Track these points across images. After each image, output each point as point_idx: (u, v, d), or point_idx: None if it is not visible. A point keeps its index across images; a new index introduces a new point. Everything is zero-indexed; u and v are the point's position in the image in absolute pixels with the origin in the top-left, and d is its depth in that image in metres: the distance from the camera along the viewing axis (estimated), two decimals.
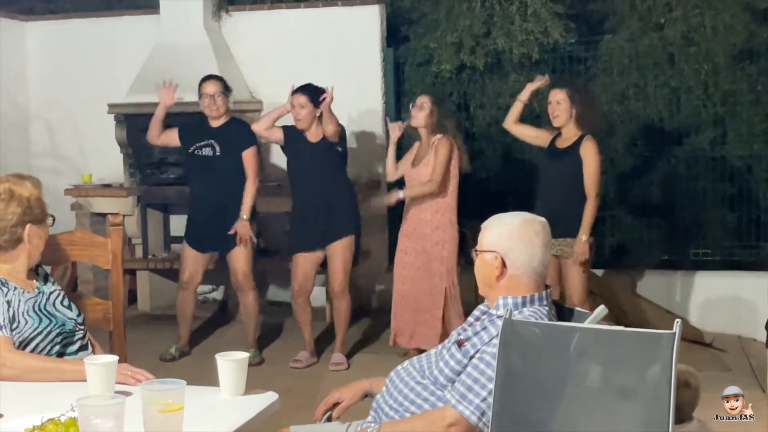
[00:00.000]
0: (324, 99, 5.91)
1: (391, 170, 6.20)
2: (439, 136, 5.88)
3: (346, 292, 6.15)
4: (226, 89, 6.22)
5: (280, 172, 7.65)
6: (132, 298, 7.72)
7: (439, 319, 5.88)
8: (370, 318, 7.17)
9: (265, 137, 6.22)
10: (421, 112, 5.90)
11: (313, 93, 5.98)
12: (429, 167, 5.87)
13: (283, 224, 7.63)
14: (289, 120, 6.13)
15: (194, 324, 6.77)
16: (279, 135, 6.12)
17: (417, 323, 6.00)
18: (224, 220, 6.15)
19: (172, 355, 6.31)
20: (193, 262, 6.33)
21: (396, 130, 6.10)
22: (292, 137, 6.07)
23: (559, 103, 5.64)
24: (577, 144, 5.60)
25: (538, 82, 5.94)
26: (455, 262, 5.97)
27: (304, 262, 6.13)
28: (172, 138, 6.31)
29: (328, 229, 6.08)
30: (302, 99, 5.96)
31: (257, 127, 6.17)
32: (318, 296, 6.70)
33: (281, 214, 7.37)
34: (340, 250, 6.08)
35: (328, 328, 6.86)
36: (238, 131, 6.21)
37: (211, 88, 6.15)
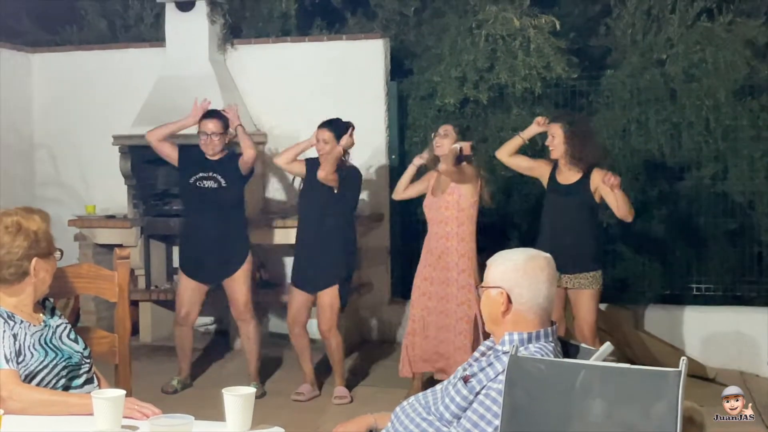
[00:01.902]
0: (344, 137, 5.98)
1: (400, 188, 6.15)
2: (464, 163, 5.87)
3: (334, 330, 6.12)
4: (226, 127, 6.22)
5: (281, 205, 7.70)
6: (134, 329, 7.70)
7: (468, 347, 5.84)
8: (373, 350, 7.16)
9: (287, 170, 6.27)
10: (445, 139, 5.85)
11: (339, 129, 6.01)
12: (454, 195, 5.84)
13: (284, 256, 7.67)
14: (305, 153, 6.19)
15: (195, 355, 6.78)
16: (301, 169, 6.12)
17: (441, 353, 5.89)
18: (222, 251, 6.19)
19: (174, 387, 6.29)
20: (191, 295, 6.32)
21: (419, 159, 6.13)
22: (312, 170, 6.06)
23: (554, 137, 5.72)
24: (584, 180, 5.68)
25: (542, 128, 5.89)
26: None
27: (297, 296, 6.14)
28: (171, 152, 6.28)
29: (318, 275, 6.07)
30: (326, 134, 5.98)
31: (279, 161, 6.21)
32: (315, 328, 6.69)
33: (282, 247, 7.39)
34: (327, 296, 6.07)
35: (327, 359, 6.85)
36: (237, 161, 6.24)
37: (212, 127, 6.15)
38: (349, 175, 6.08)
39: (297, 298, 6.14)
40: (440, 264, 5.90)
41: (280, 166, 6.27)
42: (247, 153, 6.13)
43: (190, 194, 6.26)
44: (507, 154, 5.96)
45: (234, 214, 6.24)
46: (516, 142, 5.95)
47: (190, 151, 6.33)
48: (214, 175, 6.17)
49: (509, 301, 2.79)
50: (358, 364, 6.82)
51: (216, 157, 6.19)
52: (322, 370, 6.53)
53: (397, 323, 7.66)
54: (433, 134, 6.02)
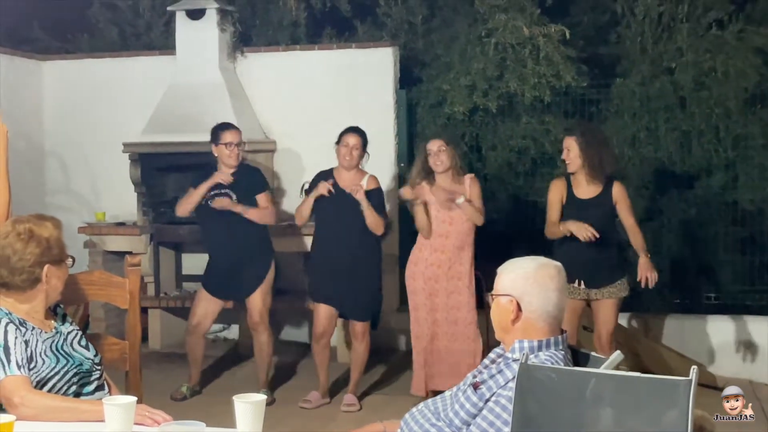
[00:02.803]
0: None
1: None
2: (471, 175, 5.93)
3: (367, 335, 6.14)
4: (240, 137, 6.26)
5: (292, 212, 7.69)
6: (143, 336, 7.70)
7: (478, 351, 5.81)
8: (382, 359, 7.15)
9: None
10: (441, 155, 5.83)
11: (364, 134, 6.05)
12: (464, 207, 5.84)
13: (297, 264, 7.66)
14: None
15: (205, 363, 6.77)
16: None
17: (452, 364, 5.87)
18: (243, 268, 6.17)
19: (183, 394, 6.30)
20: (205, 307, 6.32)
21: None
22: (323, 180, 6.06)
23: (569, 150, 5.63)
24: (606, 192, 5.64)
25: None
26: None
27: (323, 310, 6.10)
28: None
29: (349, 301, 6.07)
30: (355, 140, 5.99)
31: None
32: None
33: (294, 254, 7.39)
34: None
35: (340, 369, 6.86)
36: (254, 177, 6.28)
37: (236, 137, 6.17)
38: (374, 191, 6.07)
39: (323, 313, 6.10)
40: (450, 273, 5.88)
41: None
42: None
43: (203, 213, 6.23)
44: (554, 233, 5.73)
45: (251, 229, 6.18)
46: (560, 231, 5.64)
47: (198, 176, 6.33)
48: (226, 191, 6.16)
49: (519, 308, 2.79)
50: (367, 373, 6.80)
51: (230, 171, 6.19)
52: (333, 380, 6.55)
53: (405, 331, 7.64)
54: (426, 151, 5.91)
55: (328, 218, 6.04)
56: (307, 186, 6.22)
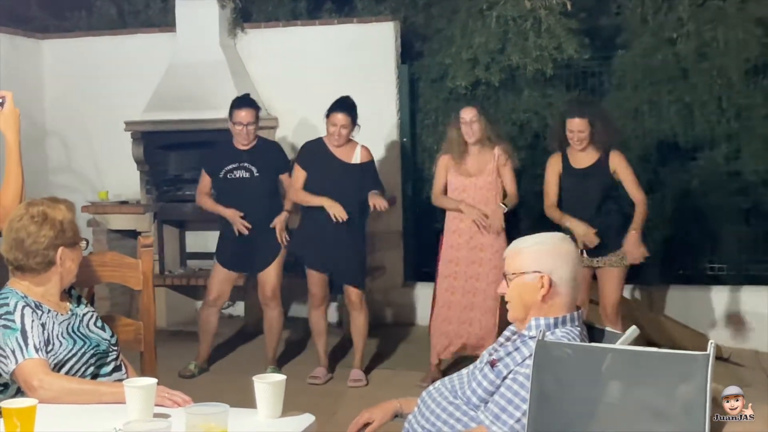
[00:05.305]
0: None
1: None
2: (502, 146, 5.89)
3: (364, 302, 6.15)
4: (258, 115, 6.23)
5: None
6: None
7: (494, 326, 5.78)
8: (387, 333, 7.18)
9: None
10: (474, 125, 5.79)
11: (353, 110, 5.97)
12: (492, 176, 5.85)
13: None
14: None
15: (212, 340, 6.80)
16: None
17: (469, 333, 5.89)
18: (258, 240, 6.16)
19: (191, 372, 6.32)
20: (223, 280, 6.34)
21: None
22: (314, 151, 6.05)
23: (582, 131, 5.67)
24: (603, 160, 5.71)
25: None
26: None
27: (318, 277, 6.11)
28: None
29: (342, 267, 6.07)
30: (343, 119, 5.91)
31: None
32: (332, 311, 6.70)
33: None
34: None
35: (343, 343, 6.88)
36: (275, 153, 6.30)
37: (247, 117, 6.12)
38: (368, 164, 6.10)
39: (317, 279, 6.10)
40: (471, 244, 5.88)
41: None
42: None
43: (222, 187, 6.24)
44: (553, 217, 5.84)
45: (269, 204, 6.21)
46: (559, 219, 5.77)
47: (214, 150, 6.37)
48: (245, 164, 6.16)
49: (550, 284, 2.78)
50: (373, 348, 6.83)
51: (247, 147, 6.19)
52: (336, 354, 6.59)
53: (410, 306, 7.68)
54: (453, 119, 5.95)
55: (318, 188, 5.98)
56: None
